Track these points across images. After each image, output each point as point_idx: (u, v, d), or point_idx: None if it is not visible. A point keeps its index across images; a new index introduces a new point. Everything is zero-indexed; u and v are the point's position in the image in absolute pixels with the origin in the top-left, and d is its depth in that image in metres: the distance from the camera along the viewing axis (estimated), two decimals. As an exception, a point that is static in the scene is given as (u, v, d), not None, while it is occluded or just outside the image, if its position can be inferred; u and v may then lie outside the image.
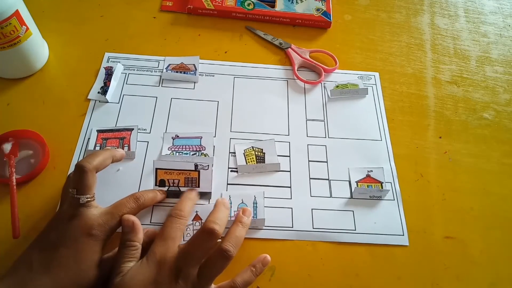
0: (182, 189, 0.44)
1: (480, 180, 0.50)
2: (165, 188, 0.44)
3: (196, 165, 0.44)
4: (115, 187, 0.45)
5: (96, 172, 0.38)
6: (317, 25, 0.61)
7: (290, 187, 0.47)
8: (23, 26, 0.47)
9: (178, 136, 0.49)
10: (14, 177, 0.43)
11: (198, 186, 0.44)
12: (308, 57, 0.57)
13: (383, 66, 0.59)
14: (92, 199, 0.37)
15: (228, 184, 0.46)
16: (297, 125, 0.52)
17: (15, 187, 0.42)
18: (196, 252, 0.35)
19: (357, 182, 0.47)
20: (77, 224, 0.35)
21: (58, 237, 0.35)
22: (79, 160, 0.37)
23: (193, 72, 0.54)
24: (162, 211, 0.44)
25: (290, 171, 0.48)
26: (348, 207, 0.46)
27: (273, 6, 0.61)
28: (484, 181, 0.49)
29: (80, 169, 0.37)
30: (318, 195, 0.47)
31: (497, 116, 0.55)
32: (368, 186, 0.47)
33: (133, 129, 0.49)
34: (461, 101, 0.56)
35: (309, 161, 0.49)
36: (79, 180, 0.36)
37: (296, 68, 0.56)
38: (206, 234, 0.36)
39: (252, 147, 0.49)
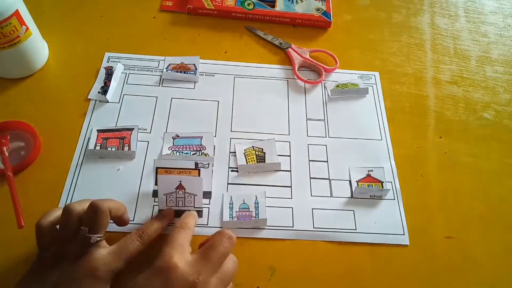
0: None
1: (480, 180, 0.50)
2: None
3: (196, 164, 0.44)
4: (115, 186, 0.45)
5: (110, 218, 0.37)
6: (317, 25, 0.61)
7: (290, 186, 0.47)
8: (23, 26, 0.47)
9: (178, 136, 0.49)
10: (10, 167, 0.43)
11: (199, 186, 0.44)
12: (308, 56, 0.57)
13: (383, 66, 0.59)
14: (102, 238, 0.36)
15: (228, 183, 0.46)
16: (297, 125, 0.52)
17: (13, 178, 0.43)
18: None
19: (357, 181, 0.47)
20: (83, 264, 0.34)
21: (62, 277, 0.33)
22: (94, 200, 0.36)
23: (193, 72, 0.54)
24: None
25: (290, 171, 0.48)
26: (349, 206, 0.46)
27: (273, 6, 0.61)
28: (484, 181, 0.49)
29: (95, 208, 0.35)
30: (318, 194, 0.47)
31: (497, 116, 0.55)
32: (368, 186, 0.47)
33: (133, 129, 0.49)
34: (461, 101, 0.56)
35: (309, 160, 0.49)
36: (92, 219, 0.35)
37: (296, 68, 0.56)
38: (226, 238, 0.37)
39: (253, 146, 0.49)
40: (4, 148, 0.45)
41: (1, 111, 0.49)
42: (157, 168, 0.44)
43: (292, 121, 0.52)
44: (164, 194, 0.42)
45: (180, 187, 0.42)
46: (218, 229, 0.43)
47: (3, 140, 0.45)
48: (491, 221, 0.47)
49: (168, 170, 0.44)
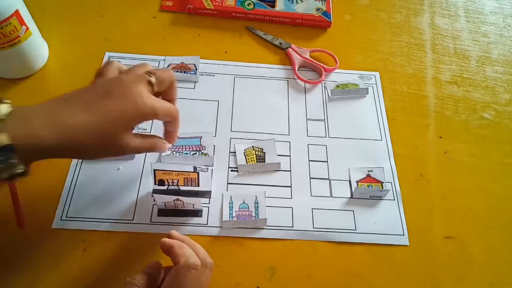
0: (181, 188, 0.44)
1: (480, 180, 0.50)
2: (165, 187, 0.44)
3: (195, 168, 0.44)
4: (115, 186, 0.45)
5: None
6: (317, 25, 0.61)
7: (290, 186, 0.47)
8: (23, 26, 0.47)
9: (178, 136, 0.49)
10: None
11: (198, 185, 0.44)
12: (308, 56, 0.57)
13: (383, 66, 0.59)
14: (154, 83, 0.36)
15: (228, 183, 0.46)
16: (297, 125, 0.52)
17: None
18: None
19: (357, 181, 0.47)
20: (127, 78, 0.35)
21: (114, 83, 0.35)
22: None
23: (193, 72, 0.54)
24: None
25: (290, 171, 0.48)
26: (348, 206, 0.46)
27: (273, 6, 0.61)
28: (484, 181, 0.49)
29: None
30: (318, 194, 0.47)
31: (497, 116, 0.55)
32: (368, 186, 0.47)
33: (133, 128, 0.48)
34: (461, 101, 0.56)
35: (309, 160, 0.49)
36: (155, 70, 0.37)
37: (296, 68, 0.56)
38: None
39: (253, 146, 0.49)
40: None
41: (1, 111, 0.49)
42: (154, 170, 0.44)
43: (292, 121, 0.52)
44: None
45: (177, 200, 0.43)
46: (217, 229, 0.43)
47: (3, 140, 0.45)
48: (491, 221, 0.47)
49: (166, 172, 0.43)
